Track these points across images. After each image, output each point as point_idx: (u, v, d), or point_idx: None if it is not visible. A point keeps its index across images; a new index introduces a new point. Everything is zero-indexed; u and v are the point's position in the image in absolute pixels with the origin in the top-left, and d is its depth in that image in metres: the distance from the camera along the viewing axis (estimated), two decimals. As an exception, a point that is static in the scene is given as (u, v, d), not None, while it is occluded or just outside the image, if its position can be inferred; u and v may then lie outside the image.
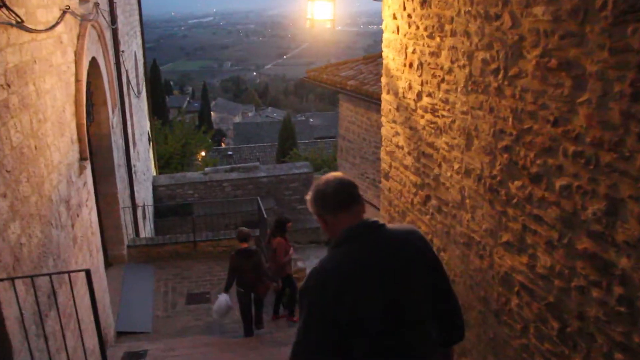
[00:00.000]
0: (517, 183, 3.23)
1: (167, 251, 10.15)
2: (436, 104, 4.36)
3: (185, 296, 8.74)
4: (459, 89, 3.96)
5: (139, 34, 16.06)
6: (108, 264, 9.30)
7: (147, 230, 12.94)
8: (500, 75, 3.36)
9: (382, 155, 5.72)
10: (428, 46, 4.44)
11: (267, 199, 16.99)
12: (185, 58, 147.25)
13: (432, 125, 4.47)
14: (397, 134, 5.26)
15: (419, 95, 4.67)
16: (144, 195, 13.87)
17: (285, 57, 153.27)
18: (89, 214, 6.24)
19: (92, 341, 5.37)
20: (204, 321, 8.00)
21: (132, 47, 13.86)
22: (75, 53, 6.19)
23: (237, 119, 67.53)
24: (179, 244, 10.26)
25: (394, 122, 5.32)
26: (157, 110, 33.35)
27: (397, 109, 5.20)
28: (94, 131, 8.65)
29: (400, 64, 5.06)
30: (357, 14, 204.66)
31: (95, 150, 8.75)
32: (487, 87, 3.52)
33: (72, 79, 5.94)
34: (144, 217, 12.81)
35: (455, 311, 2.57)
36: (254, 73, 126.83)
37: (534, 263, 3.11)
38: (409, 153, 5.00)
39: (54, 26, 5.13)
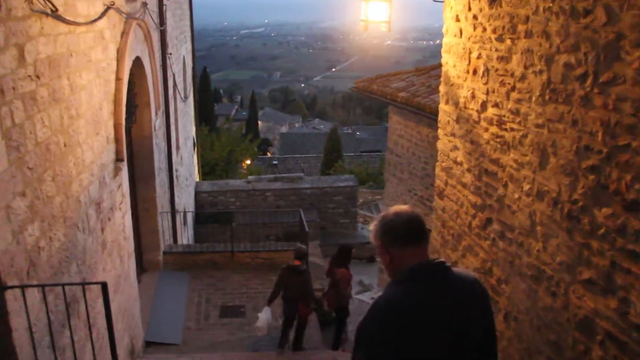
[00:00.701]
0: (606, 211, 2.71)
1: (204, 260, 9.85)
2: (504, 116, 3.86)
3: (219, 308, 8.39)
4: (533, 99, 3.46)
5: (189, 38, 16.00)
6: (142, 269, 9.07)
7: (186, 236, 12.73)
8: (588, 82, 2.84)
9: (438, 171, 5.24)
10: (496, 50, 3.95)
11: (310, 211, 16.61)
12: (236, 67, 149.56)
13: (497, 140, 3.97)
14: (455, 148, 4.77)
15: (484, 106, 4.18)
16: (186, 200, 13.69)
17: (334, 69, 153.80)
18: (123, 218, 5.95)
19: (119, 351, 5.04)
20: (237, 337, 7.62)
21: (181, 52, 13.76)
22: (118, 50, 5.95)
23: (284, 129, 67.71)
24: (217, 253, 9.95)
25: (453, 135, 4.83)
26: (205, 117, 33.72)
27: (457, 121, 4.71)
28: (136, 133, 8.45)
29: (462, 71, 4.58)
30: (407, 29, 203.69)
31: (136, 153, 8.55)
32: (570, 96, 3.01)
33: (113, 77, 5.69)
34: (184, 223, 12.61)
35: None
36: (302, 85, 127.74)
37: (626, 309, 2.57)
38: (468, 170, 4.50)
39: (94, 21, 4.87)
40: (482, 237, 4.28)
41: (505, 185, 3.88)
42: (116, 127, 5.67)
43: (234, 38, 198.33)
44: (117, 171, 5.63)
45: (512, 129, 3.75)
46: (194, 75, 17.70)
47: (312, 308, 7.43)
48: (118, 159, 5.72)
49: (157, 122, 9.08)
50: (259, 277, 9.46)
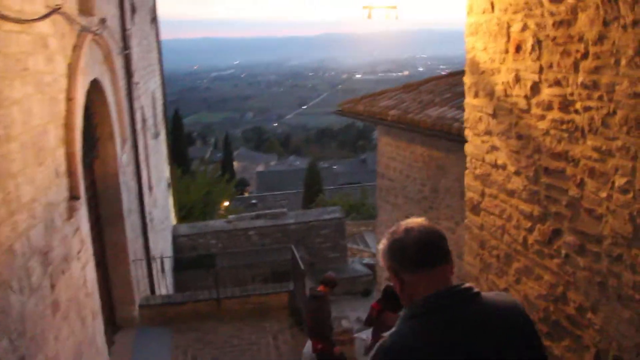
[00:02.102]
0: None
1: (187, 311, 8.66)
2: (571, 94, 2.94)
3: (208, 367, 7.24)
4: (622, 62, 2.54)
5: (157, 73, 15.06)
6: (115, 328, 7.87)
7: (164, 285, 11.51)
8: None
9: (468, 181, 4.28)
10: (551, 14, 3.05)
11: (296, 247, 15.54)
12: (208, 110, 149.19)
13: (562, 127, 3.04)
14: (493, 148, 3.82)
15: (535, 88, 3.26)
16: (162, 245, 12.52)
17: (305, 106, 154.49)
18: (83, 270, 4.85)
19: None
20: (233, 400, 6.48)
21: (150, 85, 12.78)
22: (69, 66, 4.94)
23: (260, 168, 66.96)
24: (201, 302, 8.77)
25: (488, 133, 3.89)
26: (178, 160, 32.62)
27: (494, 115, 3.78)
28: (99, 169, 7.40)
29: (497, 52, 3.67)
30: (375, 63, 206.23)
31: (101, 192, 7.47)
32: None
33: (62, 96, 4.67)
34: (162, 271, 11.40)
35: None
36: (275, 123, 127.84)
37: None
38: (516, 173, 3.54)
39: (32, 20, 3.88)
40: (546, 255, 3.31)
41: (580, 185, 2.93)
42: (69, 156, 4.62)
43: (205, 81, 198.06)
44: (71, 212, 4.55)
45: (588, 109, 2.82)
46: (165, 111, 16.72)
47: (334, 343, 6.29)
48: (73, 197, 4.65)
49: (124, 157, 8.02)
50: (252, 326, 8.32)
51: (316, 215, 16.99)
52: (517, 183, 3.54)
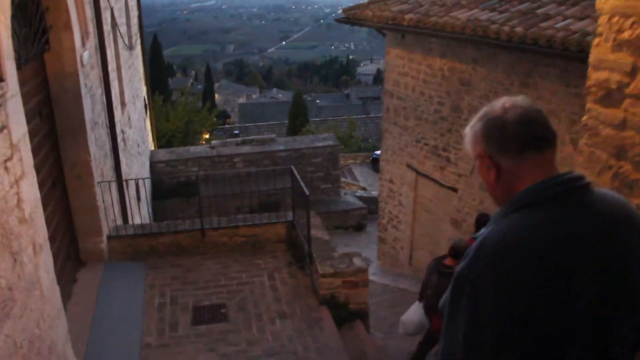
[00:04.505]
0: None
1: (165, 243, 7.32)
2: None
3: (190, 311, 5.91)
4: None
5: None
6: (79, 263, 6.53)
7: (140, 216, 10.15)
8: None
9: (600, 55, 2.85)
10: None
11: (284, 177, 14.29)
12: (188, 42, 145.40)
13: None
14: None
15: None
16: (138, 171, 11.07)
17: (287, 40, 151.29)
18: (14, 186, 3.43)
19: None
20: (221, 353, 5.21)
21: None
22: None
23: (242, 100, 64.92)
24: (182, 233, 7.41)
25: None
26: (159, 90, 30.80)
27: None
28: (52, 67, 5.86)
29: None
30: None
31: (55, 96, 5.95)
32: None
33: None
34: (137, 199, 10.00)
35: None
36: (257, 57, 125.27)
37: None
38: None
39: None
40: None
41: None
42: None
43: (185, 12, 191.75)
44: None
45: None
46: (141, 24, 14.91)
47: None
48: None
49: (86, 55, 6.45)
50: (241, 262, 7.03)
51: (308, 142, 15.62)
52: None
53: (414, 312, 5.55)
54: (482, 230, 1.56)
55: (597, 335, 1.48)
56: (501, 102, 1.58)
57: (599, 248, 1.46)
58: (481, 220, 5.90)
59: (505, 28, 6.67)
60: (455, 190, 8.88)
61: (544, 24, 6.38)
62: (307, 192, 6.20)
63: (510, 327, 1.42)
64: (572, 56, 5.68)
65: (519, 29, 6.50)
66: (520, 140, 1.52)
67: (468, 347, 1.47)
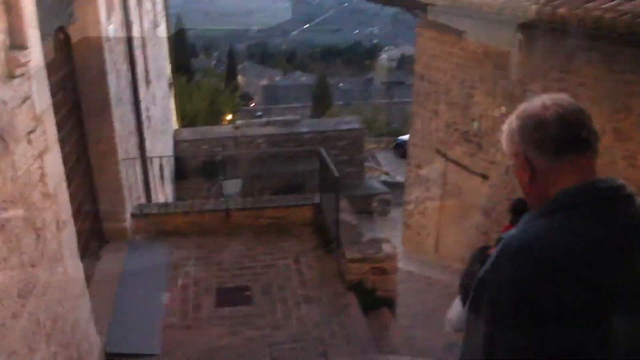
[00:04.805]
0: None
1: (189, 223, 7.20)
2: None
3: (214, 293, 5.79)
4: None
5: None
6: (102, 241, 6.46)
7: (164, 194, 10.07)
8: None
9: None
10: None
11: (308, 160, 14.16)
12: (211, 23, 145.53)
13: None
14: None
15: None
16: (162, 149, 10.98)
17: (311, 23, 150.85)
18: (38, 160, 3.30)
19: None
20: (244, 337, 5.08)
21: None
22: None
23: (264, 82, 64.82)
24: (206, 213, 7.28)
25: None
26: (182, 70, 30.80)
27: None
28: (78, 42, 5.71)
29: None
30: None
31: (80, 70, 5.83)
32: None
33: None
34: (161, 178, 9.91)
35: None
36: (280, 39, 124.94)
37: None
38: None
39: None
40: None
41: None
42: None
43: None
44: (13, 66, 2.94)
45: None
46: (167, 3, 14.79)
47: None
48: (15, 46, 3.03)
49: (111, 29, 6.31)
50: (266, 244, 6.88)
51: (333, 124, 15.40)
52: None
53: (458, 306, 5.36)
54: (510, 232, 1.47)
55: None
56: (541, 100, 1.48)
57: (634, 265, 1.35)
58: (518, 207, 5.61)
59: (548, 9, 6.36)
60: (486, 177, 8.60)
61: (590, 5, 6.05)
62: (336, 174, 6.03)
63: (528, 345, 1.33)
64: (622, 39, 5.38)
65: (562, 10, 6.18)
66: (558, 141, 1.43)
67: (487, 354, 1.41)
